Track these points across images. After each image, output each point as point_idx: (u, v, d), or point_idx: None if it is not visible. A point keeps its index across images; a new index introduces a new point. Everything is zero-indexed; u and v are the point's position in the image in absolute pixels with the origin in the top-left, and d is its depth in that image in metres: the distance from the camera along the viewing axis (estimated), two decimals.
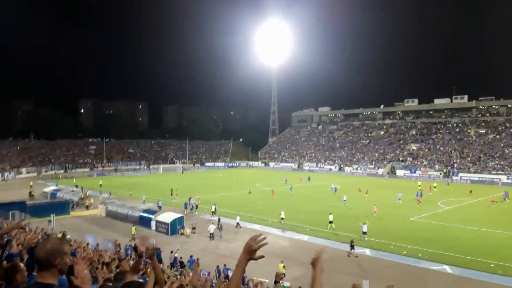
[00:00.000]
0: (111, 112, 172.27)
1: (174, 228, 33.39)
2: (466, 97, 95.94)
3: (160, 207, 42.15)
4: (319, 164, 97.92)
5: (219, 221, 33.91)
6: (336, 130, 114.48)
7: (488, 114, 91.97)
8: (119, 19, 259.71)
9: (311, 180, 71.82)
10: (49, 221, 33.55)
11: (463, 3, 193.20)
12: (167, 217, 34.73)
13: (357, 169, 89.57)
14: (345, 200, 46.67)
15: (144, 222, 35.83)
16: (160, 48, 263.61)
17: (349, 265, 25.11)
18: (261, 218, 38.08)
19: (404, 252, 27.02)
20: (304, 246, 29.27)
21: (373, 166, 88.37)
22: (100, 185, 61.28)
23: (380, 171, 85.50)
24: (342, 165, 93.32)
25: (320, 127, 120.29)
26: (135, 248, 22.57)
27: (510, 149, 77.85)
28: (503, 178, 69.23)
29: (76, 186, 59.72)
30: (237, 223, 34.70)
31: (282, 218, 36.18)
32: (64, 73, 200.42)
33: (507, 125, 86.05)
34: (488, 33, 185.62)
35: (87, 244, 24.20)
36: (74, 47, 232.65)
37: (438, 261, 25.18)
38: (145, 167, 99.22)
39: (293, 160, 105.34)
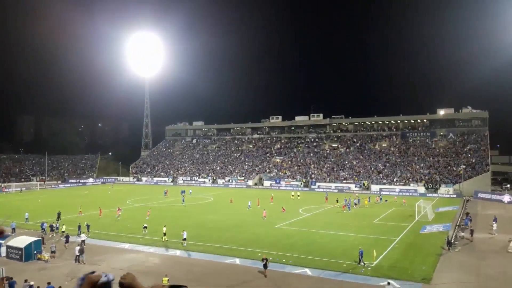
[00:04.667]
0: None
1: (29, 253, 29.91)
2: (321, 115, 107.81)
3: (13, 229, 37.46)
4: (193, 177, 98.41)
5: (82, 243, 31.79)
6: (210, 144, 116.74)
7: (339, 131, 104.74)
8: None
9: (185, 193, 71.90)
10: None
11: (320, 31, 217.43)
12: (20, 241, 30.90)
13: (229, 181, 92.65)
14: (249, 205, 53.39)
15: None
16: (12, 52, 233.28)
17: (220, 276, 25.92)
18: (131, 236, 36.68)
19: (271, 259, 28.92)
20: (177, 261, 29.24)
21: (243, 178, 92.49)
22: None
23: (250, 182, 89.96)
24: (215, 178, 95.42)
25: (194, 141, 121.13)
26: None
27: (357, 161, 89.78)
28: (352, 186, 79.43)
29: None
30: (82, 241, 32.65)
31: (145, 227, 37.52)
32: None
33: (355, 140, 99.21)
34: (341, 59, 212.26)
35: None
36: None
37: (300, 264, 27.62)
38: None
39: (167, 174, 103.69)
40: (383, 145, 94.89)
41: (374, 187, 77.74)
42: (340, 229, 39.73)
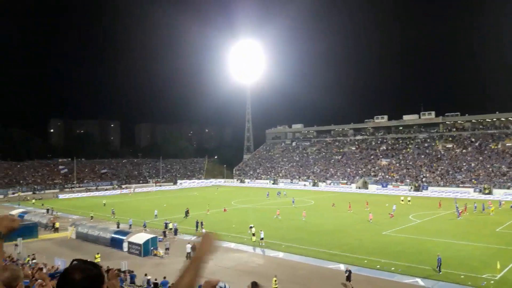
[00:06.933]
0: (82, 131, 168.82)
1: (147, 249, 32.69)
2: (433, 113, 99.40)
3: (130, 226, 41.68)
4: (293, 180, 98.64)
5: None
6: (310, 146, 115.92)
7: (454, 129, 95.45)
8: (90, 37, 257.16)
9: (287, 196, 72.43)
10: (16, 245, 32.24)
11: (428, 23, 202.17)
12: (139, 238, 33.98)
13: (330, 184, 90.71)
14: (394, 210, 50.35)
15: (116, 243, 34.91)
16: (133, 66, 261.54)
17: (325, 281, 25.20)
18: (236, 236, 37.83)
19: (378, 266, 27.36)
20: (280, 263, 29.24)
21: (345, 181, 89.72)
22: (104, 204, 60.40)
23: (353, 185, 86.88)
24: (316, 181, 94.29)
25: (294, 143, 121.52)
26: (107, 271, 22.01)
27: (476, 163, 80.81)
28: (470, 191, 71.66)
29: (48, 210, 56.58)
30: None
31: (251, 227, 37.16)
32: (33, 93, 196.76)
33: (473, 139, 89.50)
34: (454, 51, 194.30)
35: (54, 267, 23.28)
36: (43, 67, 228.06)
37: (410, 274, 25.63)
38: (118, 187, 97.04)
39: (268, 176, 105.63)
40: (507, 144, 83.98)
41: (497, 192, 69.04)
42: (456, 238, 35.91)
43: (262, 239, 34.18)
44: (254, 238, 35.12)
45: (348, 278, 23.74)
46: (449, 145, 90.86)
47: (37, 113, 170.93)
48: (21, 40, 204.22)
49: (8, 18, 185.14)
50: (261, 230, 35.05)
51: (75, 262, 2.13)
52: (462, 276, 24.75)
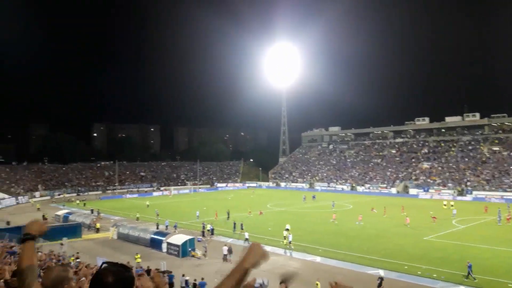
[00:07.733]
0: (123, 135, 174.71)
1: (185, 250, 33.21)
2: (478, 114, 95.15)
3: (167, 226, 42.66)
4: (330, 183, 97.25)
5: (246, 241, 35.32)
6: (347, 149, 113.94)
7: (501, 131, 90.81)
8: (131, 44, 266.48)
9: (316, 199, 72.06)
10: (61, 244, 33.70)
11: (473, 22, 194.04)
12: (178, 239, 34.57)
13: (369, 188, 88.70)
14: (454, 213, 49.85)
15: (155, 244, 35.72)
16: (171, 71, 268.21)
17: (363, 287, 24.60)
18: (273, 239, 37.71)
19: (419, 273, 26.45)
20: (317, 268, 28.86)
21: (385, 185, 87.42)
22: (148, 205, 62.51)
23: (393, 190, 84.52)
24: (354, 185, 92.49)
25: (330, 146, 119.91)
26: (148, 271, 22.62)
27: None
28: None
29: (92, 211, 58.61)
30: (246, 239, 35.61)
31: (287, 229, 36.97)
32: (78, 98, 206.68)
33: None
34: (499, 51, 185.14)
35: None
36: (87, 73, 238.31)
37: (454, 281, 24.63)
38: (157, 189, 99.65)
39: (304, 180, 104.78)
40: None
41: None
42: (504, 244, 34.06)
43: (290, 242, 34.24)
44: (285, 241, 35.04)
45: (379, 286, 22.96)
46: (496, 148, 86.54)
47: (81, 118, 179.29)
48: (65, 49, 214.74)
49: (51, 25, 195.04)
50: (289, 233, 35.08)
51: (105, 265, 2.13)
52: (510, 285, 23.47)
